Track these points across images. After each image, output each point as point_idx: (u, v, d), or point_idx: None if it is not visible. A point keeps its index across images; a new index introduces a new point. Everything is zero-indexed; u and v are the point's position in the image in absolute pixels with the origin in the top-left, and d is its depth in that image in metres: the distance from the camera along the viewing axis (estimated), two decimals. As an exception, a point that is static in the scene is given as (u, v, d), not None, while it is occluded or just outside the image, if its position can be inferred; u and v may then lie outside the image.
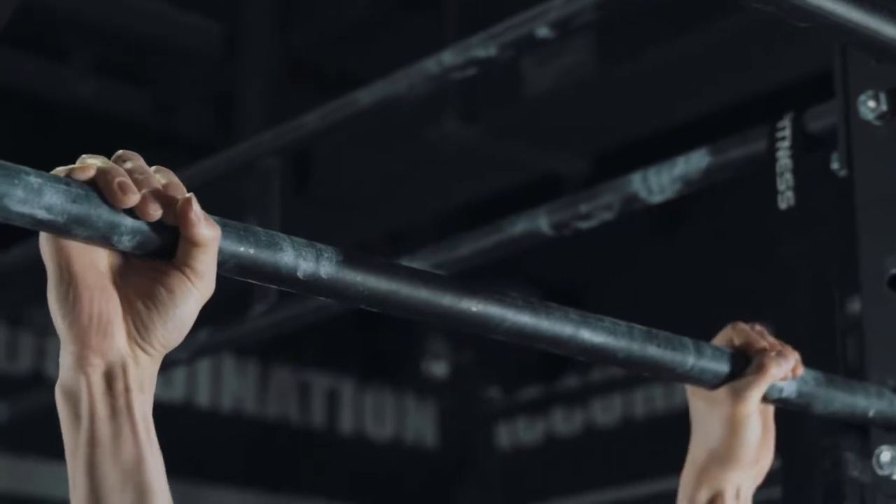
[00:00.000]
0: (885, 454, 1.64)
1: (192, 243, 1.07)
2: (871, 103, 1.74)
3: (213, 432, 5.46)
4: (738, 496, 1.47)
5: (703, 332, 1.52)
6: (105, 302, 1.05)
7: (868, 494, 1.67)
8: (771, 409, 1.51)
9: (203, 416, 5.48)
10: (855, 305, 1.76)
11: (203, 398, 5.52)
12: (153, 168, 1.08)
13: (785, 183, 1.80)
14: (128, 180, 1.04)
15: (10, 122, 4.84)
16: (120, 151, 1.08)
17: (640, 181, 2.00)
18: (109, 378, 1.04)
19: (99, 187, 1.04)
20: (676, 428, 1.70)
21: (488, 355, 5.77)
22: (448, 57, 2.14)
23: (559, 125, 4.44)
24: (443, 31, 4.23)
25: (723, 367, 1.46)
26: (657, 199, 2.01)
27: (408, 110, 2.51)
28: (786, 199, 1.79)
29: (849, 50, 1.77)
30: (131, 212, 1.05)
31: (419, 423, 6.08)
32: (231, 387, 5.62)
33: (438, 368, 5.94)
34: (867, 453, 1.66)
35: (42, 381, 4.97)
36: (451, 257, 2.26)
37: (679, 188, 1.98)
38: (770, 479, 1.53)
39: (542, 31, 2.02)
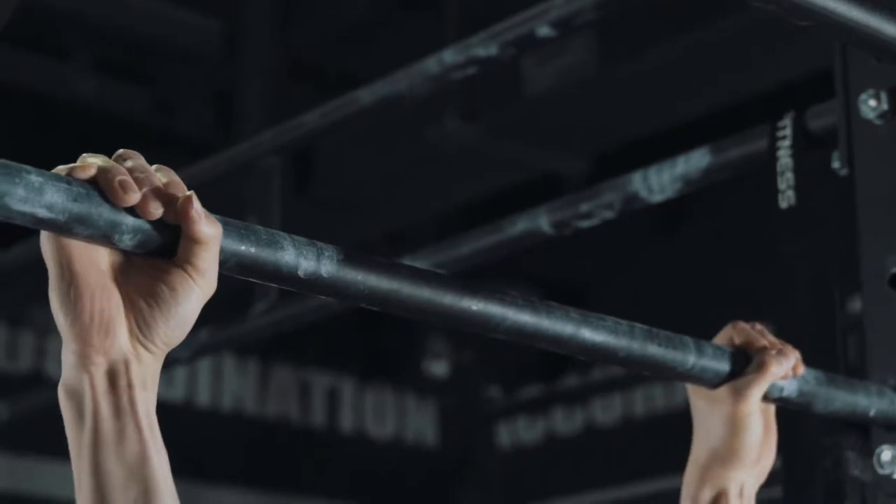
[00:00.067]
0: (886, 453, 1.64)
1: (194, 241, 1.07)
2: (872, 102, 1.74)
3: (214, 432, 5.46)
4: (741, 494, 1.47)
5: (703, 332, 1.52)
6: (106, 300, 1.05)
7: (869, 493, 1.67)
8: (772, 407, 1.51)
9: (203, 416, 5.48)
10: (856, 304, 1.76)
11: (203, 397, 5.52)
12: (154, 167, 1.08)
13: (785, 182, 1.80)
14: (129, 179, 1.04)
15: (11, 121, 4.84)
16: (121, 150, 1.08)
17: (641, 180, 2.00)
18: (112, 376, 1.04)
19: (100, 186, 1.04)
20: (677, 427, 1.70)
21: (488, 355, 5.77)
22: (449, 56, 2.14)
23: (559, 125, 4.44)
24: (443, 31, 4.23)
25: (723, 366, 1.47)
26: (658, 198, 2.00)
27: (408, 109, 2.51)
28: (786, 199, 1.79)
29: (849, 49, 1.77)
30: (132, 210, 1.05)
31: (419, 423, 6.08)
32: (231, 386, 5.62)
33: (439, 368, 5.94)
34: (868, 452, 1.66)
35: (42, 381, 4.97)
36: (452, 257, 2.26)
37: (679, 187, 1.98)
38: (771, 479, 1.53)
39: (543, 31, 2.02)
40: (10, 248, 2.96)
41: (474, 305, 1.28)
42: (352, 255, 1.19)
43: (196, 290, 1.07)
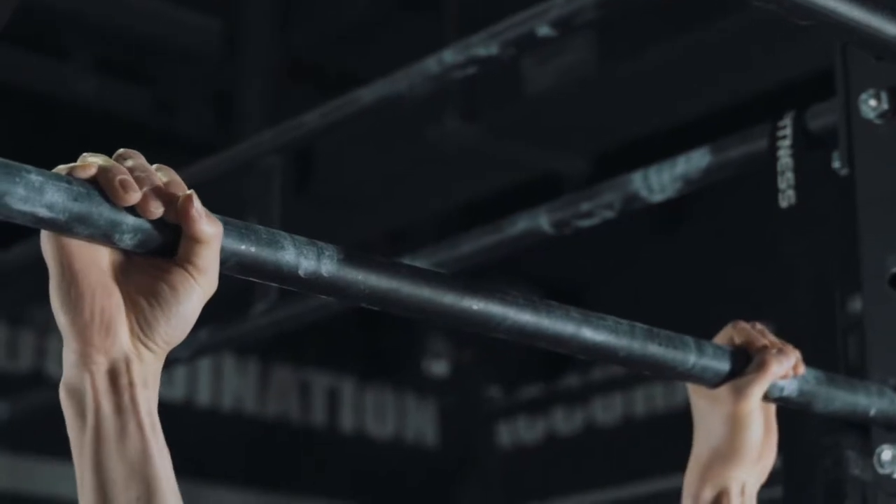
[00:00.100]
0: (886, 453, 1.64)
1: (195, 240, 1.07)
2: (872, 102, 1.74)
3: (214, 431, 5.46)
4: (742, 493, 1.47)
5: (704, 331, 1.52)
6: (107, 299, 1.05)
7: (869, 493, 1.67)
8: (772, 407, 1.51)
9: (203, 416, 5.48)
10: (856, 304, 1.76)
11: (204, 397, 5.52)
12: (154, 166, 1.08)
13: (786, 181, 1.80)
14: (129, 178, 1.04)
15: (11, 121, 4.84)
16: (121, 150, 1.08)
17: (641, 180, 2.00)
18: (113, 374, 1.04)
19: (100, 185, 1.04)
20: (677, 427, 1.70)
21: (489, 354, 5.77)
22: (449, 56, 2.14)
23: (560, 124, 4.44)
24: (443, 31, 4.23)
25: (724, 366, 1.47)
26: (658, 197, 2.00)
27: (408, 109, 2.51)
28: (787, 198, 1.79)
29: (849, 48, 1.77)
30: (133, 210, 1.05)
31: (420, 422, 6.08)
32: (231, 386, 5.62)
33: (439, 367, 5.94)
34: (868, 452, 1.66)
35: (43, 380, 4.97)
36: (452, 256, 2.26)
37: (680, 187, 1.98)
38: (771, 478, 1.53)
39: (543, 30, 2.02)
40: (11, 248, 2.96)
41: (475, 305, 1.28)
42: (352, 254, 1.19)
43: (197, 288, 1.07)
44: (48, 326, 5.03)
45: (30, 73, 4.67)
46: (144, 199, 1.05)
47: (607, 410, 5.57)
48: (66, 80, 4.68)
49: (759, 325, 1.52)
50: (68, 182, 1.03)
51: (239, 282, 1.18)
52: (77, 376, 1.04)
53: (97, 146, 1.16)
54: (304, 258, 1.16)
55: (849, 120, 1.77)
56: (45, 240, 1.06)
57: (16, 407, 3.55)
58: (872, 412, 1.61)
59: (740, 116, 2.44)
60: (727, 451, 1.47)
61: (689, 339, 1.44)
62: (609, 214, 2.06)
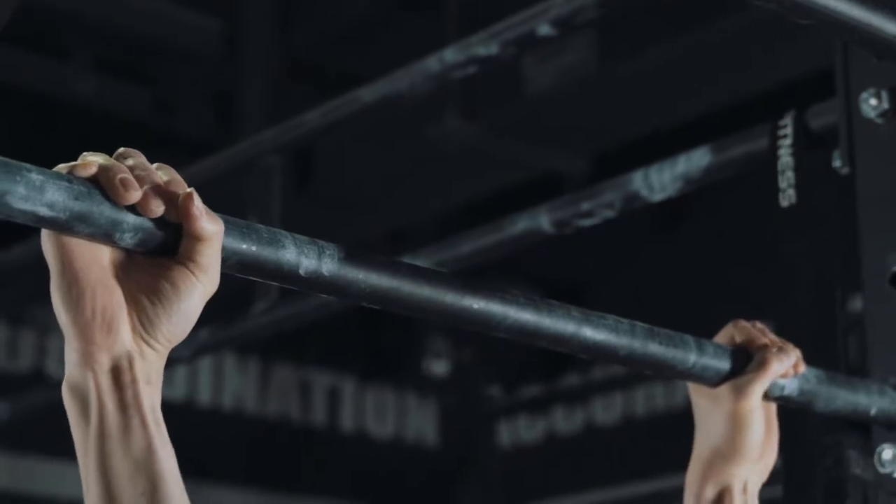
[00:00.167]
0: (887, 452, 1.64)
1: (196, 238, 1.07)
2: (873, 101, 1.74)
3: (215, 431, 5.46)
4: (745, 490, 1.47)
5: (704, 330, 1.52)
6: (108, 297, 1.05)
7: (870, 492, 1.67)
8: (773, 405, 1.51)
9: (204, 415, 5.48)
10: (857, 303, 1.76)
11: (204, 397, 5.52)
12: (154, 165, 1.08)
13: (786, 181, 1.80)
14: (130, 177, 1.04)
15: (11, 121, 4.84)
16: (121, 149, 1.08)
17: (642, 179, 2.00)
18: (116, 372, 1.04)
19: (101, 184, 1.04)
20: (677, 426, 1.70)
21: (489, 354, 5.77)
22: (449, 55, 2.14)
23: (560, 123, 4.44)
24: (443, 31, 4.23)
25: (724, 365, 1.47)
26: (658, 197, 2.00)
27: (409, 108, 2.51)
28: (787, 197, 1.79)
29: (850, 47, 1.77)
30: (133, 209, 1.05)
31: (420, 422, 6.09)
32: (232, 385, 5.62)
33: (439, 367, 5.94)
34: (869, 451, 1.66)
35: (43, 380, 4.97)
36: (453, 255, 2.26)
37: (680, 186, 1.98)
38: (772, 477, 1.53)
39: (544, 29, 2.02)
40: (11, 248, 2.96)
41: (475, 304, 1.28)
42: (353, 253, 1.19)
43: (199, 286, 1.07)
44: (48, 326, 5.03)
45: (30, 73, 4.67)
46: (145, 197, 1.05)
47: (608, 410, 5.57)
48: (66, 80, 4.68)
49: (759, 324, 1.52)
50: (69, 181, 1.02)
51: (239, 281, 1.18)
52: (80, 375, 1.04)
53: (97, 146, 1.16)
54: (304, 257, 1.16)
55: (849, 119, 1.77)
56: (46, 239, 1.06)
57: (16, 407, 3.55)
58: (873, 411, 1.61)
59: (741, 116, 2.44)
60: (728, 450, 1.47)
61: (690, 338, 1.44)
62: (609, 214, 2.06)
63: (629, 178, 2.02)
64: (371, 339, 5.93)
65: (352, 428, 5.90)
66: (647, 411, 5.41)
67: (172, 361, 1.12)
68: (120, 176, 1.04)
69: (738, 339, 1.50)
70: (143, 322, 1.06)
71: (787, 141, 1.81)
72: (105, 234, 1.04)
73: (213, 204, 1.10)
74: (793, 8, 1.37)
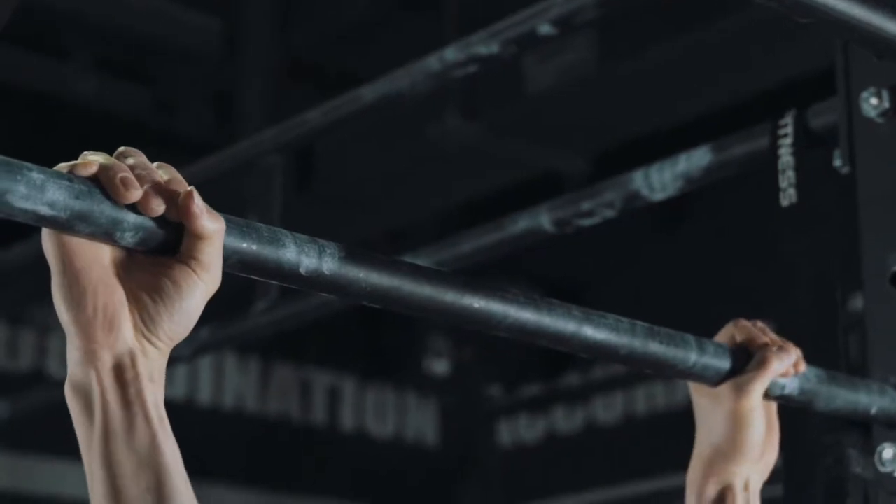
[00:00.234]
0: (888, 451, 1.64)
1: (197, 236, 1.07)
2: (874, 100, 1.74)
3: (215, 430, 5.46)
4: (746, 488, 1.47)
5: (705, 329, 1.52)
6: (110, 295, 1.05)
7: (870, 491, 1.67)
8: (774, 404, 1.51)
9: (204, 414, 5.48)
10: (857, 303, 1.76)
11: (205, 396, 5.52)
12: (155, 164, 1.08)
13: (787, 180, 1.80)
14: (130, 176, 1.04)
15: (11, 120, 4.85)
16: (122, 148, 1.08)
17: (642, 178, 2.00)
18: (119, 370, 1.04)
19: (101, 183, 1.04)
20: (678, 425, 1.70)
21: (489, 353, 5.77)
22: (450, 54, 2.14)
23: (561, 123, 4.44)
24: (443, 31, 4.23)
25: (725, 364, 1.47)
26: (659, 196, 2.00)
27: (409, 107, 2.51)
28: (788, 197, 1.79)
29: (850, 47, 1.77)
30: (134, 207, 1.05)
31: (420, 421, 6.09)
32: (232, 384, 5.62)
33: (440, 366, 5.94)
34: (869, 450, 1.66)
35: (43, 379, 4.97)
36: (453, 255, 2.26)
37: (681, 185, 1.98)
38: (772, 477, 1.53)
39: (544, 29, 2.02)
40: (11, 247, 2.96)
41: (476, 303, 1.28)
42: (353, 252, 1.19)
43: (201, 284, 1.07)
44: (48, 325, 5.04)
45: (30, 72, 4.67)
46: (145, 196, 1.05)
47: (608, 409, 5.57)
48: (67, 80, 4.68)
49: (759, 324, 1.52)
50: (69, 180, 1.02)
51: (240, 280, 1.18)
52: (82, 373, 1.04)
53: (97, 146, 1.16)
54: (305, 256, 1.16)
55: (850, 118, 1.77)
56: (46, 238, 1.06)
57: (16, 406, 3.56)
58: (874, 410, 1.61)
59: (741, 115, 2.44)
60: (729, 449, 1.47)
61: (690, 338, 1.45)
62: (610, 213, 2.06)
63: (629, 178, 2.02)
64: (371, 339, 5.93)
65: (352, 427, 5.90)
66: (647, 410, 5.42)
67: (173, 360, 1.12)
68: (120, 175, 1.04)
69: (739, 338, 1.50)
70: (145, 320, 1.06)
71: (788, 140, 1.81)
72: (106, 233, 1.04)
73: (213, 203, 1.10)
74: (793, 7, 1.37)
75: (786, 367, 1.48)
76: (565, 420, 5.71)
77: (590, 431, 5.61)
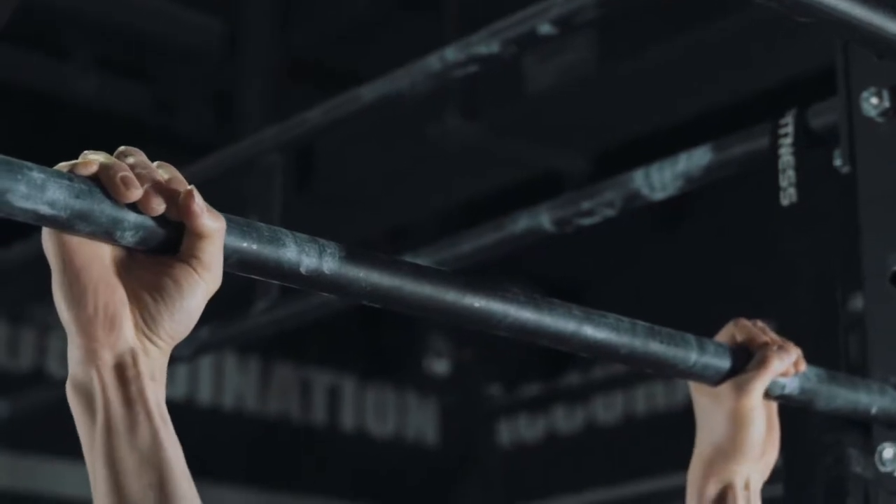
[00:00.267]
0: (888, 451, 1.64)
1: (197, 235, 1.07)
2: (874, 100, 1.74)
3: (215, 430, 5.46)
4: (747, 487, 1.47)
5: (705, 329, 1.52)
6: (110, 294, 1.05)
7: (870, 491, 1.67)
8: (774, 404, 1.51)
9: (205, 414, 5.48)
10: (857, 302, 1.76)
11: (205, 395, 5.52)
12: (155, 163, 1.08)
13: (787, 179, 1.80)
14: (130, 175, 1.04)
15: (11, 120, 4.84)
16: (122, 147, 1.08)
17: (643, 178, 2.00)
18: (120, 368, 1.04)
19: (102, 182, 1.04)
20: (678, 425, 1.70)
21: (489, 352, 5.77)
22: (450, 53, 2.14)
23: (561, 122, 4.44)
24: (443, 31, 4.23)
25: (725, 363, 1.47)
26: (659, 195, 2.00)
27: (410, 107, 2.51)
28: (788, 196, 1.79)
29: (851, 46, 1.77)
30: (134, 207, 1.05)
31: (420, 421, 6.08)
32: (233, 384, 5.62)
33: (440, 366, 5.94)
34: (870, 450, 1.66)
35: (43, 379, 4.97)
36: (454, 254, 2.26)
37: (681, 185, 1.98)
38: (772, 476, 1.53)
39: (545, 28, 2.02)
40: (11, 246, 2.97)
41: (476, 302, 1.28)
42: (354, 252, 1.19)
43: (201, 284, 1.07)
44: (49, 325, 5.03)
45: (30, 72, 4.67)
46: (146, 195, 1.05)
47: (608, 409, 5.57)
48: (67, 79, 4.68)
49: (760, 323, 1.52)
50: (70, 179, 1.02)
51: (240, 280, 1.18)
52: (84, 372, 1.04)
53: (97, 145, 1.16)
54: (305, 255, 1.16)
55: (850, 118, 1.77)
56: (47, 237, 1.06)
57: (16, 405, 3.56)
58: (874, 410, 1.61)
59: (741, 115, 2.44)
60: (730, 448, 1.47)
61: (691, 337, 1.45)
62: (610, 212, 2.06)
63: (630, 177, 2.02)
64: (371, 338, 5.93)
65: (352, 427, 5.90)
66: (647, 410, 5.41)
67: (173, 360, 1.12)
68: (121, 174, 1.04)
69: (739, 337, 1.50)
70: (146, 319, 1.06)
71: (788, 140, 1.81)
72: (106, 233, 1.04)
73: (213, 202, 1.10)
74: (793, 6, 1.37)
75: (786, 367, 1.48)
76: (565, 420, 5.71)
77: (590, 431, 5.61)
